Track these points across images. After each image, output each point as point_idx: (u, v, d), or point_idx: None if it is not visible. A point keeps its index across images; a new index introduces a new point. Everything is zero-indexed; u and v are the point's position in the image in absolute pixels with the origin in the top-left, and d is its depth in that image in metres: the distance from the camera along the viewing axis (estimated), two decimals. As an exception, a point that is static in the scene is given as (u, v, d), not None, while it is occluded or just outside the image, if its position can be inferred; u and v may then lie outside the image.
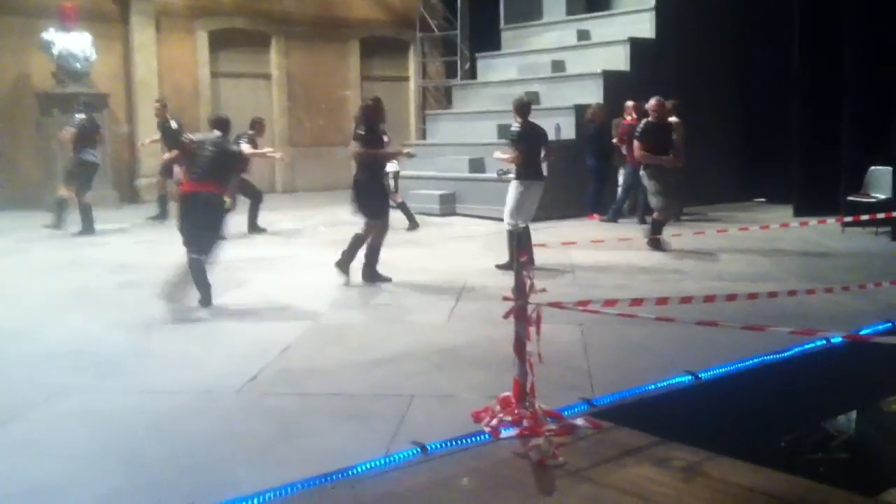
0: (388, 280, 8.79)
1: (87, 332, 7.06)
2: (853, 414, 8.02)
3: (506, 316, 4.84)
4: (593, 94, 14.46)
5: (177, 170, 13.20)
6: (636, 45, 14.93)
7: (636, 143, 10.85)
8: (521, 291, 4.77)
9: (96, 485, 4.12)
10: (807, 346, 5.96)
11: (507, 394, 4.82)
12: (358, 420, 4.94)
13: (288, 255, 10.78)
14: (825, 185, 12.47)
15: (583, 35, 16.33)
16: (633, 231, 11.93)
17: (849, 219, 10.24)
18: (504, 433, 4.59)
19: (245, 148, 11.27)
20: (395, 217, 10.23)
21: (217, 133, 8.05)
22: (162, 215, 13.66)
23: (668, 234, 10.55)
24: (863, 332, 6.24)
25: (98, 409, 5.20)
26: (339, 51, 19.98)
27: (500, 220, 9.91)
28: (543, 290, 4.89)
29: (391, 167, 12.15)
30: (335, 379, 5.73)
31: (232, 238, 11.84)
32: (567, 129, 13.97)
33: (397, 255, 9.69)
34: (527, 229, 9.19)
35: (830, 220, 10.52)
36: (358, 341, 6.68)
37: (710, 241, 10.61)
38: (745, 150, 15.69)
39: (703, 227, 12.01)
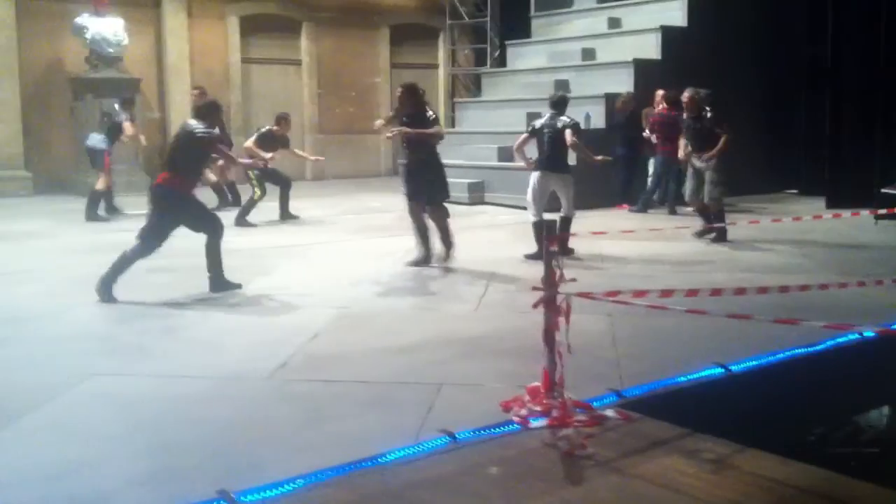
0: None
1: (113, 315, 7.13)
2: (884, 409, 7.93)
3: (535, 305, 4.83)
4: (624, 83, 14.36)
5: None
6: (667, 33, 14.78)
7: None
8: (549, 281, 4.76)
9: (124, 468, 4.16)
10: (839, 340, 5.91)
11: (536, 384, 4.82)
12: (386, 407, 4.96)
13: (317, 242, 10.81)
14: (859, 178, 12.32)
15: (613, 23, 16.19)
16: (662, 221, 11.86)
17: (882, 211, 10.12)
18: (533, 423, 4.58)
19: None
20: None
21: (192, 122, 7.91)
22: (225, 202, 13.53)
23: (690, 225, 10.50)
24: (894, 327, 6.18)
25: (126, 392, 5.24)
26: (368, 38, 19.98)
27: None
28: (573, 280, 4.88)
29: None
30: (363, 366, 5.75)
31: (263, 225, 11.99)
32: (597, 119, 13.88)
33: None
34: (565, 219, 9.29)
35: (864, 213, 10.39)
36: (386, 329, 6.70)
37: (740, 232, 10.52)
38: (776, 141, 15.51)
39: (735, 218, 11.90)
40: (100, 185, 12.56)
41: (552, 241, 4.90)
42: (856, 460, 7.10)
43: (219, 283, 7.74)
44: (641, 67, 14.46)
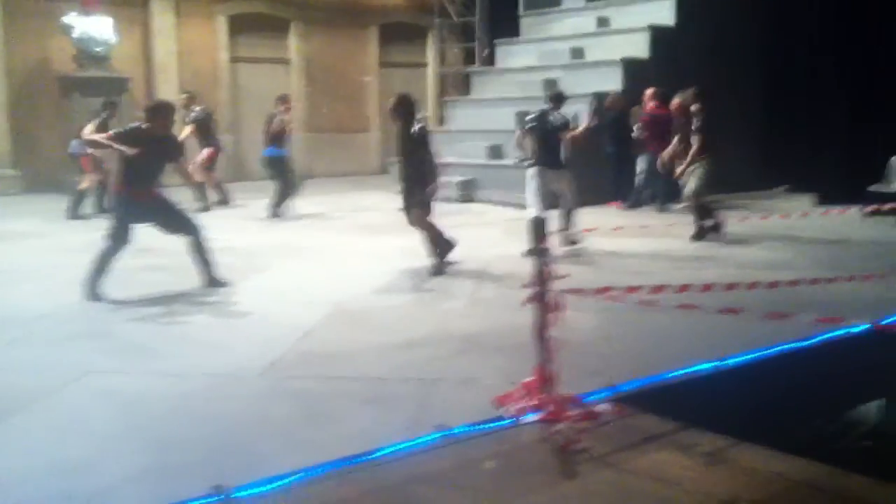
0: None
1: (109, 314, 7.11)
2: (876, 402, 7.98)
3: (526, 302, 4.85)
4: (613, 82, 14.38)
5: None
6: (656, 32, 14.81)
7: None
8: (540, 278, 4.78)
9: (123, 465, 4.16)
10: (830, 335, 5.94)
11: (529, 379, 4.84)
12: (381, 403, 4.97)
13: (311, 240, 10.79)
14: (849, 175, 12.38)
15: (602, 22, 16.23)
16: (653, 219, 11.89)
17: (868, 209, 10.22)
18: (527, 418, 4.60)
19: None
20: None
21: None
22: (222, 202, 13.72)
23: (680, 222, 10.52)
24: (886, 322, 6.22)
25: (124, 390, 5.25)
26: (357, 36, 19.96)
27: (519, 206, 9.96)
28: (567, 276, 4.90)
29: None
30: (357, 362, 5.76)
31: (255, 223, 11.98)
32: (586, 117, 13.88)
33: (416, 241, 9.69)
34: (569, 213, 9.39)
35: (852, 210, 10.47)
36: (379, 325, 6.71)
37: (731, 229, 10.56)
38: (766, 138, 15.53)
39: (726, 215, 11.94)
40: (84, 184, 12.54)
41: (544, 239, 4.92)
42: (848, 454, 7.14)
43: (210, 279, 7.82)
44: (630, 66, 14.48)
